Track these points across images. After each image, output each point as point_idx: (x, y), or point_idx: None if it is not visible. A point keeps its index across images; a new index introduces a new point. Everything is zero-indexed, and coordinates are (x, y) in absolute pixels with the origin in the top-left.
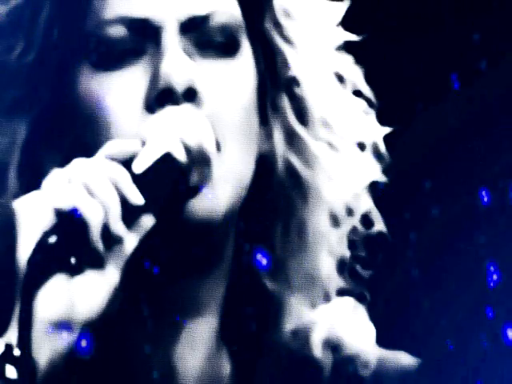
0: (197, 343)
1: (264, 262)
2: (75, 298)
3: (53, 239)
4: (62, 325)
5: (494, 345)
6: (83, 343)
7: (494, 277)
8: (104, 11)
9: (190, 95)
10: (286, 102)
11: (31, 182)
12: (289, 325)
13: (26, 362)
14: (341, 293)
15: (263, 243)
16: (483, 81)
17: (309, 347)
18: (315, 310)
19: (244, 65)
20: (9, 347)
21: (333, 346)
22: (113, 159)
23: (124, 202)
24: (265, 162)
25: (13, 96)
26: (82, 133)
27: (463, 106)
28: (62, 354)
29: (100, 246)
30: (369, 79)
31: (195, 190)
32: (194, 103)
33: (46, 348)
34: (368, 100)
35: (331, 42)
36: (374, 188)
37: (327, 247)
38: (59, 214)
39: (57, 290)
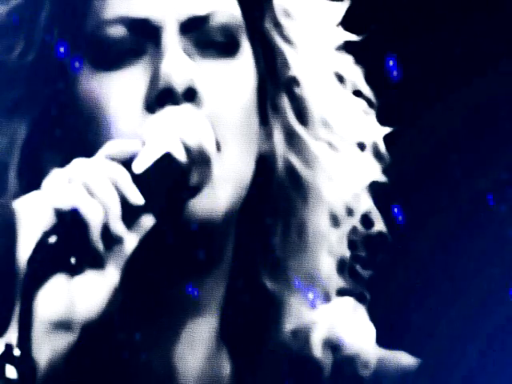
0: (197, 343)
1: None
2: (75, 297)
3: (53, 239)
4: (62, 325)
5: (493, 345)
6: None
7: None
8: (104, 11)
9: (190, 95)
10: (285, 102)
11: (31, 181)
12: (289, 325)
13: (26, 362)
14: (341, 293)
15: (263, 243)
16: (484, 80)
17: (309, 347)
18: (315, 309)
19: (244, 65)
20: (9, 347)
21: (333, 346)
22: (113, 159)
23: (124, 202)
24: (265, 161)
25: (13, 96)
26: (82, 133)
27: (464, 105)
28: (62, 354)
29: (100, 246)
30: (369, 79)
31: (195, 190)
32: (193, 103)
33: (46, 348)
34: (368, 100)
35: (331, 42)
36: (373, 188)
37: (327, 247)
38: (59, 213)
39: (57, 289)
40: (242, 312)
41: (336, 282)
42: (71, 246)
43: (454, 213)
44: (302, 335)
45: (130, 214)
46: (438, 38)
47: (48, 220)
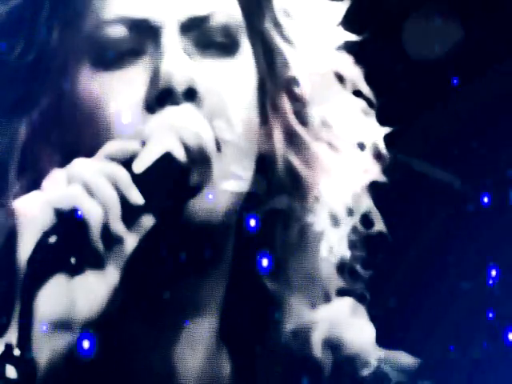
0: (197, 343)
1: (265, 263)
2: (75, 297)
3: (53, 239)
4: (62, 325)
5: (494, 346)
6: (85, 344)
7: (493, 272)
8: (104, 11)
9: (190, 95)
10: (285, 102)
11: (31, 181)
12: (289, 325)
13: (25, 362)
14: (341, 293)
15: (263, 244)
16: (484, 80)
17: (309, 347)
18: (315, 309)
19: (244, 65)
20: (9, 347)
21: (333, 346)
22: (113, 159)
23: (124, 202)
24: (265, 161)
25: (13, 96)
26: (82, 133)
27: (463, 105)
28: (62, 354)
29: (100, 246)
30: (369, 79)
31: (195, 190)
32: (194, 103)
33: (46, 348)
34: (368, 100)
35: (331, 42)
36: (374, 188)
37: (327, 247)
38: (59, 213)
39: (57, 289)
40: (241, 312)
41: (336, 282)
42: (71, 245)
43: (454, 213)
44: (301, 335)
45: (130, 214)
46: (437, 38)
47: (48, 220)
